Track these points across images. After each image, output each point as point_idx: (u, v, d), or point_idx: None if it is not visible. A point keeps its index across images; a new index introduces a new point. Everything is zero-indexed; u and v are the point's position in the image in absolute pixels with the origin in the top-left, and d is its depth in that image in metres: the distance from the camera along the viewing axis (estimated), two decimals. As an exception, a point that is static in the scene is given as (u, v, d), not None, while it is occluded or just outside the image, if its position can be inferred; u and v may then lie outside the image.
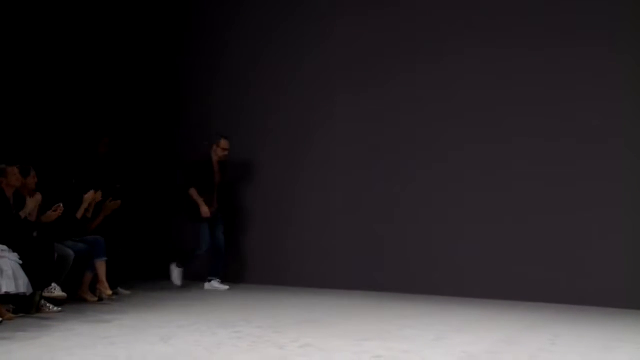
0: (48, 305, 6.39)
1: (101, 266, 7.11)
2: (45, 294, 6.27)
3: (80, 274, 7.09)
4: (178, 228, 9.03)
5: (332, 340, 5.36)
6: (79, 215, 7.20)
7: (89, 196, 7.25)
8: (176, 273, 8.28)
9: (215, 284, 8.34)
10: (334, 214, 8.64)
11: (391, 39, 8.46)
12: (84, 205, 7.23)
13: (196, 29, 9.43)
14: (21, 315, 6.13)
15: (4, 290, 5.78)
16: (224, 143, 8.39)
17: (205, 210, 8.20)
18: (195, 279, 8.50)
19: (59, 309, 6.43)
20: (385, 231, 8.39)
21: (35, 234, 6.55)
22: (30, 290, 6.04)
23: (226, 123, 8.92)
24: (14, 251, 6.06)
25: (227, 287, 8.32)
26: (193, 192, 8.24)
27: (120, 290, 7.60)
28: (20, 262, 6.00)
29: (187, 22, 9.50)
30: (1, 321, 5.72)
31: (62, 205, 6.64)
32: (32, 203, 6.45)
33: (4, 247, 6.05)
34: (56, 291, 6.28)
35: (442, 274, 8.06)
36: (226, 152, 8.40)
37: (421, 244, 8.21)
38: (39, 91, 8.54)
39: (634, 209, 7.35)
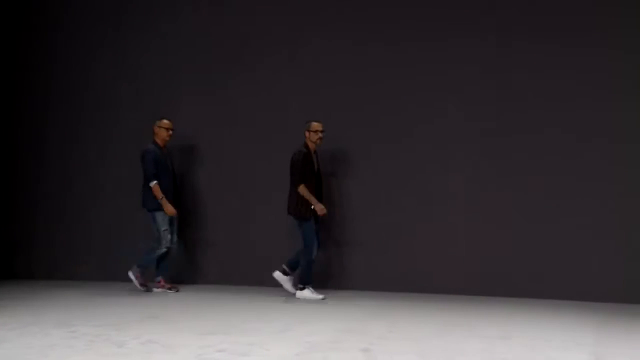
0: None
1: None
2: None
3: None
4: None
5: (176, 336, 5.30)
6: None
7: None
8: (289, 283, 7.58)
9: (308, 293, 7.43)
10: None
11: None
12: None
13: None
14: None
15: None
16: (315, 125, 7.54)
17: (320, 207, 7.36)
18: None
19: None
20: (223, 225, 8.42)
21: None
22: None
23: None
24: None
25: (321, 296, 7.38)
26: (303, 188, 7.36)
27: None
28: None
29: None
30: None
31: None
32: None
33: None
34: None
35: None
36: (320, 135, 7.54)
37: (265, 236, 8.28)
38: None
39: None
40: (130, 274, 7.80)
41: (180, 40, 8.74)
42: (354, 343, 5.16)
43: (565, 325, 6.03)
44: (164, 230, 7.77)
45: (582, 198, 7.48)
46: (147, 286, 7.82)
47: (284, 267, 7.61)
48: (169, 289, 7.86)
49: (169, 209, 7.74)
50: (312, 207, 7.36)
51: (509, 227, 7.65)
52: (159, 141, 7.94)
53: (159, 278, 7.93)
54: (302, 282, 7.46)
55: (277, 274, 7.58)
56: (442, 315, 6.50)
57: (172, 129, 7.96)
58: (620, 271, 7.30)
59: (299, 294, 7.43)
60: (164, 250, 7.79)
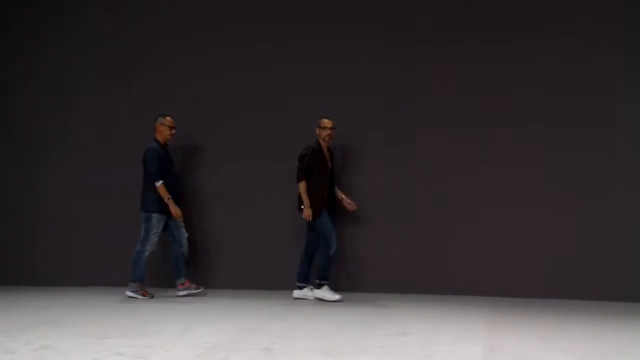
0: None
1: None
2: None
3: None
4: None
5: (73, 340, 5.14)
6: None
7: None
8: (328, 293, 7.31)
9: (327, 293, 7.32)
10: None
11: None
12: None
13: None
14: None
15: None
16: (325, 122, 7.43)
17: (307, 213, 7.25)
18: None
19: None
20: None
21: None
22: None
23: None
24: None
25: (339, 296, 7.28)
26: (302, 186, 7.26)
27: None
28: None
29: None
30: None
31: None
32: None
33: None
34: None
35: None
36: (330, 132, 7.39)
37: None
38: None
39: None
40: (130, 294, 7.41)
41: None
42: (255, 343, 5.15)
43: (462, 320, 6.23)
44: (154, 234, 7.46)
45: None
46: (148, 292, 7.48)
47: (317, 281, 7.40)
48: (196, 289, 7.58)
49: (176, 210, 7.43)
50: (302, 206, 7.28)
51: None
52: (160, 139, 7.59)
53: (182, 280, 7.59)
54: (319, 278, 7.34)
55: (318, 292, 7.35)
56: (344, 313, 6.59)
57: (174, 128, 7.64)
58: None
59: (317, 292, 7.31)
60: (148, 252, 7.45)
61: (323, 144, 7.43)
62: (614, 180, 7.58)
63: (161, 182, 7.40)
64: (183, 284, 7.60)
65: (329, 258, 7.31)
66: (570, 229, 7.64)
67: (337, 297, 7.23)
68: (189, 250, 7.70)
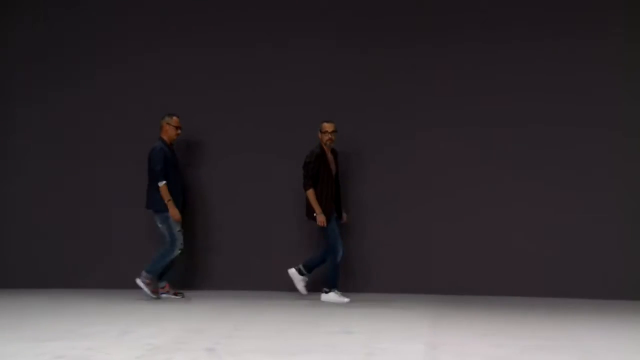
0: None
1: None
2: None
3: None
4: None
5: (9, 345, 5.01)
6: None
7: None
8: (302, 284, 7.39)
9: (334, 296, 7.32)
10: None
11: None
12: None
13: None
14: None
15: None
16: (325, 126, 7.41)
17: (322, 219, 7.23)
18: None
19: None
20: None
21: None
22: None
23: None
24: None
25: (347, 299, 7.27)
26: (311, 193, 7.27)
27: None
28: None
29: None
30: None
31: None
32: None
33: None
34: None
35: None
36: (330, 136, 7.37)
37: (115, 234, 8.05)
38: None
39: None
40: (139, 282, 7.20)
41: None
42: (198, 343, 5.11)
43: (405, 318, 6.30)
44: (178, 232, 7.30)
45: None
46: (158, 294, 7.30)
47: (300, 266, 7.43)
48: (175, 294, 7.38)
49: (175, 213, 7.25)
50: (314, 214, 7.26)
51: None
52: (166, 138, 7.43)
53: (164, 283, 7.40)
54: (327, 286, 7.34)
55: (292, 272, 7.40)
56: (289, 313, 6.59)
57: (180, 128, 7.48)
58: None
59: (324, 297, 7.32)
60: (177, 253, 7.29)
61: (326, 148, 7.44)
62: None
63: (164, 182, 7.27)
64: (163, 287, 7.48)
65: (336, 265, 7.34)
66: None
67: (345, 299, 7.26)
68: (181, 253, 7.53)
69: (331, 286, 7.34)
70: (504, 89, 7.91)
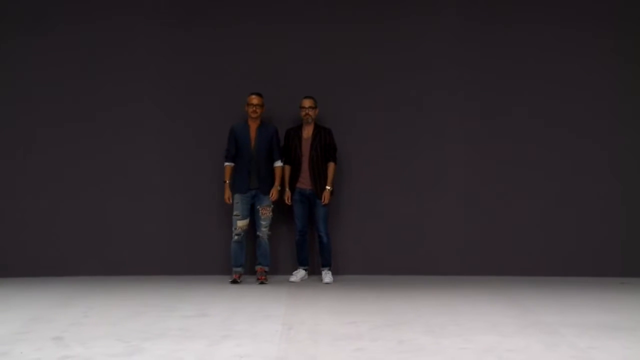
0: None
1: None
2: None
3: None
4: None
5: None
6: None
7: None
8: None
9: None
10: None
11: None
12: None
13: None
14: None
15: None
16: (302, 102, 7.33)
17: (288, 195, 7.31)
18: None
19: None
20: None
21: None
22: None
23: None
24: None
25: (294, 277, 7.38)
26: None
27: None
28: None
29: None
30: None
31: None
32: None
33: None
34: None
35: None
36: (305, 111, 7.27)
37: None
38: None
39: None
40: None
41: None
42: (44, 332, 4.88)
43: (264, 300, 6.29)
44: (234, 216, 7.19)
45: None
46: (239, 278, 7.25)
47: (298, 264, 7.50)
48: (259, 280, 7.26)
49: (227, 195, 7.22)
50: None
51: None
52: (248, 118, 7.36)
53: (258, 267, 7.33)
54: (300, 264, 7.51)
55: (299, 273, 7.44)
56: (141, 297, 6.41)
57: (254, 105, 7.23)
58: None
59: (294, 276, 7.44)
60: (235, 237, 7.15)
61: (305, 125, 7.38)
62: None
63: (226, 163, 7.25)
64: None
65: (295, 242, 7.46)
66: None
67: (292, 278, 7.38)
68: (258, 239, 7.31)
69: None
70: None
